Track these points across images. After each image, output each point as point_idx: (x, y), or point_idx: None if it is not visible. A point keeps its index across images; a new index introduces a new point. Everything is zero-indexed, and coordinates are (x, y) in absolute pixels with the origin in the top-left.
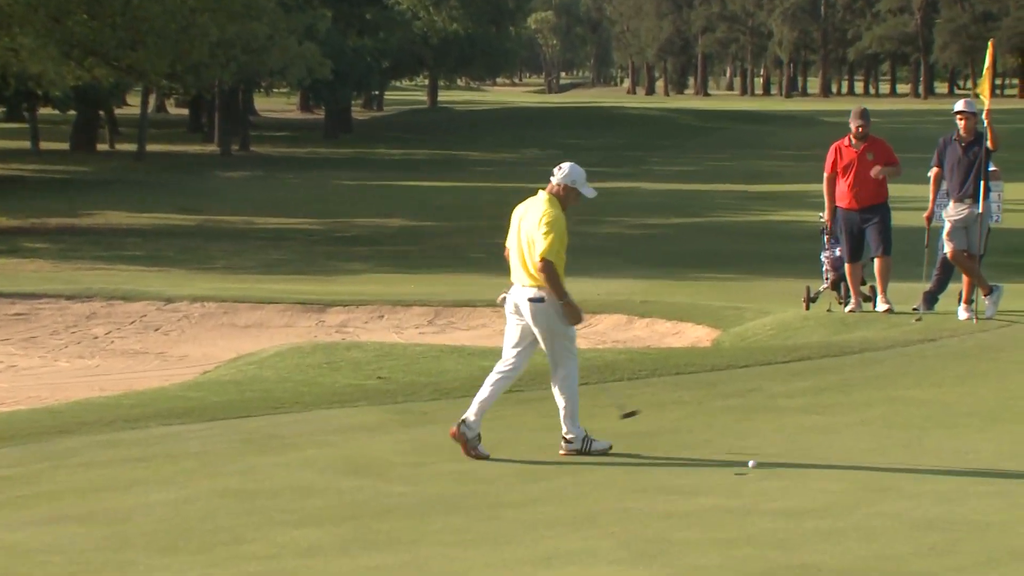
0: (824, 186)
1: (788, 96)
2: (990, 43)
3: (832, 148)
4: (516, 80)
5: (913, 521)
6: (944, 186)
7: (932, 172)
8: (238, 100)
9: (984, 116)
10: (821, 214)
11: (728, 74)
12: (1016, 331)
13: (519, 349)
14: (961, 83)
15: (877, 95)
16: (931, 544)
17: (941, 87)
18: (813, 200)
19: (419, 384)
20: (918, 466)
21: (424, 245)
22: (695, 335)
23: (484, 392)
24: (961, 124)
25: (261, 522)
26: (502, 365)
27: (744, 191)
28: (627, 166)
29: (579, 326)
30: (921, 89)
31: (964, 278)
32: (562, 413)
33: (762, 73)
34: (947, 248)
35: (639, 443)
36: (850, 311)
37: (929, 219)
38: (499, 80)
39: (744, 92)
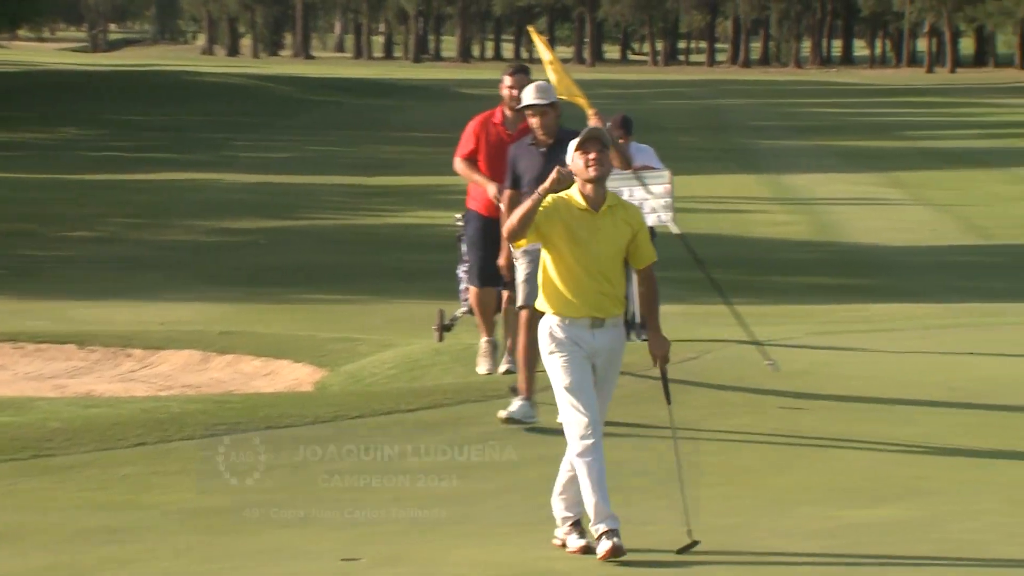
0: (462, 170)
1: (417, 61)
2: (530, 30)
3: (476, 123)
4: (47, 34)
5: None
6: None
7: (504, 196)
8: None
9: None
10: (458, 215)
11: (338, 31)
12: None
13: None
14: (636, 46)
15: (531, 60)
16: None
17: (612, 51)
18: (448, 197)
19: None
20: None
21: None
22: (293, 377)
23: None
24: (535, 122)
25: None
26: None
27: (359, 185)
28: (202, 151)
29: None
30: (586, 53)
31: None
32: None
33: (383, 30)
34: (519, 297)
35: (208, 522)
36: (486, 371)
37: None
38: (22, 33)
39: (359, 55)
